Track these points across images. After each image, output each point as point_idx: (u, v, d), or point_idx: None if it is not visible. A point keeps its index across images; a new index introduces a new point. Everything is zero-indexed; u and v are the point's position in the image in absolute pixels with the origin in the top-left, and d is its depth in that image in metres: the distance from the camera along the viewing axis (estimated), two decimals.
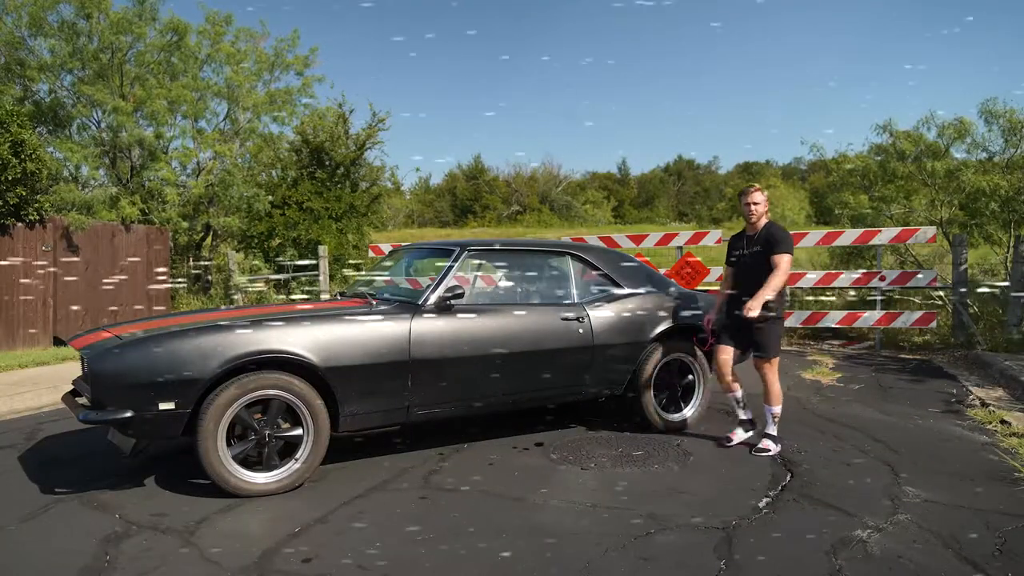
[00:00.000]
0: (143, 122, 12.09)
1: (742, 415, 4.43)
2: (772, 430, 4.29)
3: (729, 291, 4.43)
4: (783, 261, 4.19)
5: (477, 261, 5.20)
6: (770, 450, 4.19)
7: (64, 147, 11.41)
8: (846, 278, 8.63)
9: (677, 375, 4.80)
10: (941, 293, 9.08)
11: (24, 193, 8.82)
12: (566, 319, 4.40)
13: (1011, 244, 8.70)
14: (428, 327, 4.00)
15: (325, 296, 11.16)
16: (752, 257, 4.31)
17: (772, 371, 4.25)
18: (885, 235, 8.45)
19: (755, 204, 4.33)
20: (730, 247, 4.56)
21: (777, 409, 4.27)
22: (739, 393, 4.40)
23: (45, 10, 11.28)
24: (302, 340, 3.65)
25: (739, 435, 4.41)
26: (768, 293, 4.10)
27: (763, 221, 4.34)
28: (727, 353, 4.35)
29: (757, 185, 4.49)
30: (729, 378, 4.37)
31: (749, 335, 4.25)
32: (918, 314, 8.22)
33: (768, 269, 4.19)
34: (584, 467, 4.02)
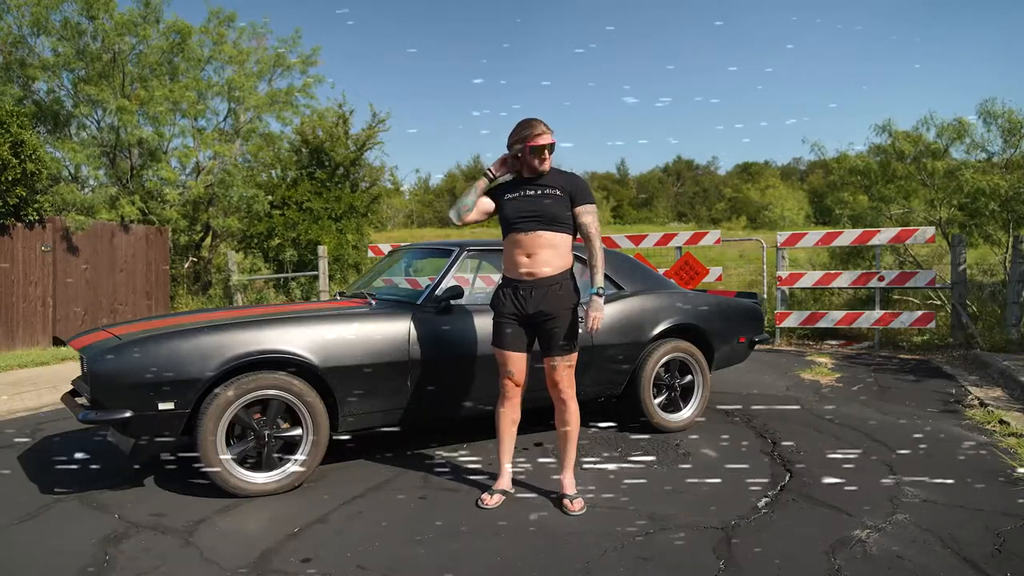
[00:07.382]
0: (143, 122, 12.09)
1: (507, 471, 3.48)
2: (571, 473, 3.41)
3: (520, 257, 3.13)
4: (595, 217, 3.20)
5: (476, 261, 5.22)
6: (582, 505, 3.28)
7: (64, 147, 11.41)
8: (845, 278, 8.65)
9: (677, 375, 4.81)
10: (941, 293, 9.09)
11: (24, 193, 8.82)
12: None
13: (1010, 244, 8.70)
14: (427, 327, 4.00)
15: (325, 296, 11.17)
16: (543, 200, 3.19)
17: (572, 376, 3.27)
18: (884, 235, 8.47)
19: (550, 153, 3.24)
20: (495, 192, 3.37)
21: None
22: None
23: (49, 9, 11.28)
24: (301, 340, 3.65)
25: (495, 500, 3.39)
26: (601, 279, 3.13)
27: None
28: (520, 363, 3.25)
29: (544, 124, 3.24)
30: (517, 412, 3.40)
31: (543, 325, 3.22)
32: (917, 314, 8.24)
33: (566, 219, 3.21)
34: (584, 467, 4.02)
